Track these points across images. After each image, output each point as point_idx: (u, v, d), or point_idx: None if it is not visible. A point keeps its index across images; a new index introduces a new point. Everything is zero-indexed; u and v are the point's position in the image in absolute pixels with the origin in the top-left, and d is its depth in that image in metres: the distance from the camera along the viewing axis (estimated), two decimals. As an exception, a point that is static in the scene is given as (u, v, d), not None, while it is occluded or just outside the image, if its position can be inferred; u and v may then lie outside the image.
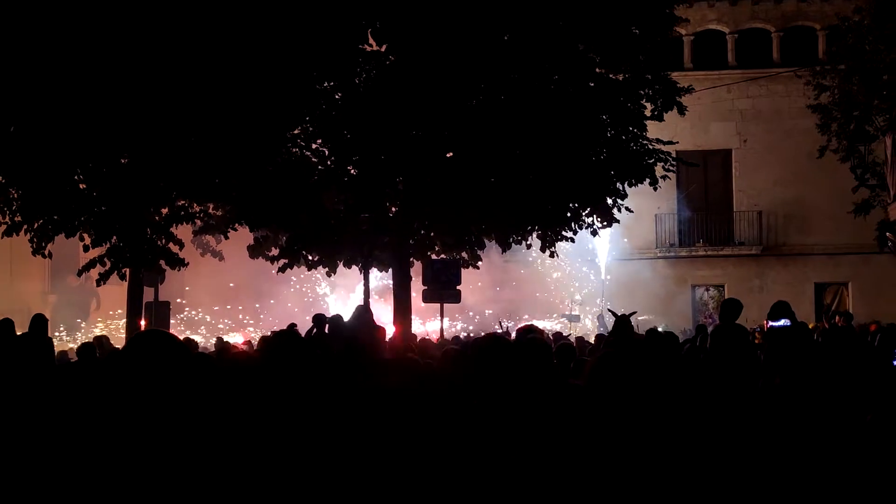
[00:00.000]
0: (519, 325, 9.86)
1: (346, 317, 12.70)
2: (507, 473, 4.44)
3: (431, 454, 4.99)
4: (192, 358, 3.23)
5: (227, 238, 17.32)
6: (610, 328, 11.65)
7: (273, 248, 16.73)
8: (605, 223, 16.42)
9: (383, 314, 18.91)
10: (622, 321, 9.51)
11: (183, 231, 16.65)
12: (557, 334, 18.13)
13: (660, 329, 15.02)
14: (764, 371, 8.29)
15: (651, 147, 15.61)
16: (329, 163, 15.60)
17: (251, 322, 29.38)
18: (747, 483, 4.15)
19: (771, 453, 4.28)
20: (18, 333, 12.06)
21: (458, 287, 16.54)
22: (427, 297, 16.59)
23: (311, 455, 4.81)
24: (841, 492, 3.72)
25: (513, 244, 16.63)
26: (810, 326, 17.80)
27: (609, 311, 10.28)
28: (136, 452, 2.88)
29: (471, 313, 28.56)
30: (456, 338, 17.70)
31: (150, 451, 2.90)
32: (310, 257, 16.37)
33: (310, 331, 13.74)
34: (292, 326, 11.98)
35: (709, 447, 4.79)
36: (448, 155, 15.28)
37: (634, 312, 9.77)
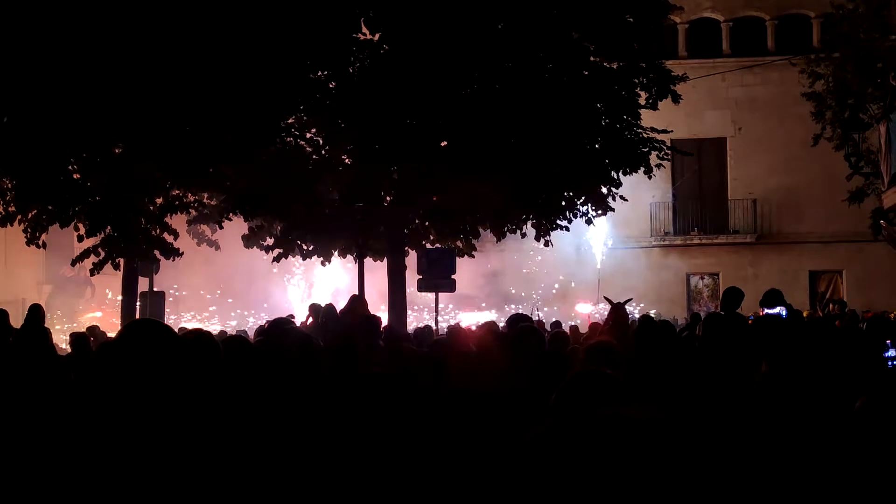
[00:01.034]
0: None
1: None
2: (502, 463, 4.46)
3: (426, 445, 5.01)
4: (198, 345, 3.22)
5: (221, 228, 17.33)
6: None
7: (268, 238, 16.72)
8: (599, 212, 16.44)
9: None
10: (617, 309, 9.50)
11: (178, 221, 16.65)
12: (555, 323, 18.17)
13: (652, 314, 15.04)
14: (754, 359, 8.31)
15: (645, 136, 15.62)
16: (323, 152, 15.59)
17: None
18: (735, 473, 4.16)
19: (757, 441, 4.30)
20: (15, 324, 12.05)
21: (453, 276, 16.55)
22: (422, 287, 16.60)
23: (308, 445, 4.83)
24: (828, 482, 3.73)
25: (507, 233, 16.64)
26: (804, 314, 17.83)
27: (605, 298, 10.29)
28: (134, 443, 2.88)
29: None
30: (452, 327, 17.69)
31: (148, 441, 2.91)
32: (304, 247, 16.37)
33: (304, 321, 13.76)
34: (290, 317, 11.98)
35: (700, 436, 4.81)
36: (442, 144, 15.28)
37: (630, 299, 9.77)
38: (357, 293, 14.49)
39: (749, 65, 30.18)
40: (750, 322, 13.88)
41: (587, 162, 15.27)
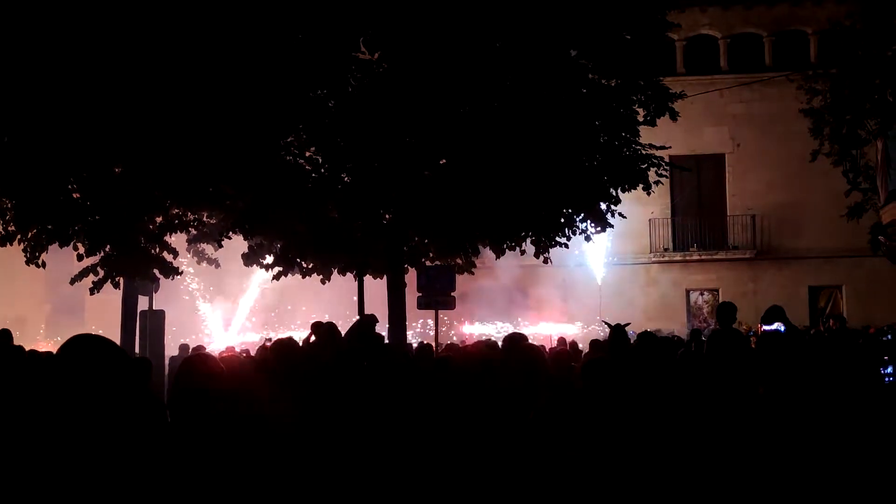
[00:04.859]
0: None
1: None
2: (499, 476, 4.47)
3: (427, 456, 5.02)
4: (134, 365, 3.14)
5: (220, 247, 17.35)
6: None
7: (267, 256, 16.72)
8: (598, 228, 16.44)
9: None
10: (618, 330, 9.50)
11: (177, 240, 16.67)
12: (560, 339, 18.16)
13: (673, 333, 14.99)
14: (755, 377, 8.33)
15: (644, 152, 15.64)
16: (322, 170, 15.60)
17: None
18: (736, 484, 4.17)
19: (758, 458, 4.31)
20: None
21: (452, 293, 16.56)
22: (421, 304, 16.61)
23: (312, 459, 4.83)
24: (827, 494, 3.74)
25: (506, 250, 16.63)
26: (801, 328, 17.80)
27: (603, 321, 10.28)
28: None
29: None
30: (450, 345, 17.70)
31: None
32: (304, 265, 16.38)
33: (307, 338, 13.74)
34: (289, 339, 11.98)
35: (703, 449, 4.81)
36: (441, 162, 15.30)
37: (628, 324, 9.77)
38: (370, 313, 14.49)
39: (747, 81, 30.25)
40: (752, 338, 13.92)
41: (586, 179, 15.28)
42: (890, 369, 9.73)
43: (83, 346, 2.99)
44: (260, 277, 30.83)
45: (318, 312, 25.79)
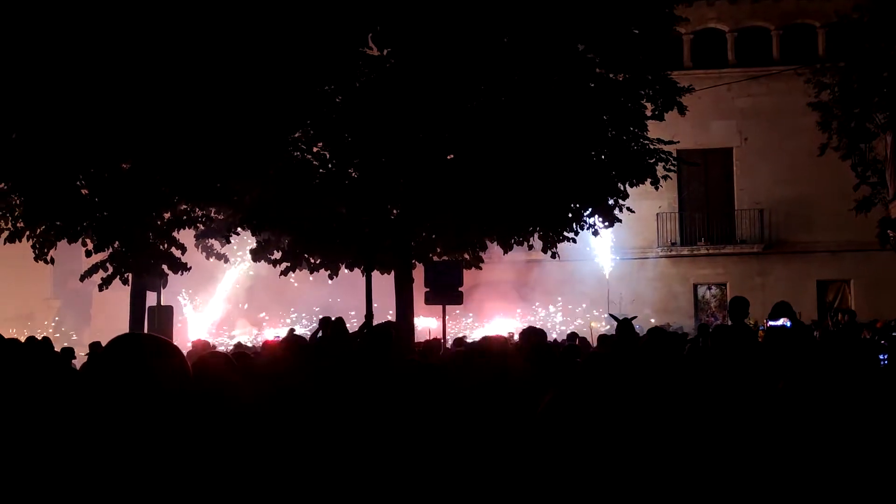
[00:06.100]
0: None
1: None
2: (504, 471, 4.47)
3: (432, 454, 5.03)
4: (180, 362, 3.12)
5: (228, 242, 17.37)
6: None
7: (275, 252, 16.75)
8: (606, 223, 16.42)
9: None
10: (625, 324, 9.52)
11: (185, 235, 16.70)
12: (570, 335, 18.17)
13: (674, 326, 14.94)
14: (764, 372, 8.31)
15: (652, 147, 15.62)
16: (330, 166, 15.62)
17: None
18: (749, 484, 4.17)
19: (776, 455, 4.30)
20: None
21: (459, 289, 16.57)
22: (429, 299, 16.61)
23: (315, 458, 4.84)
24: (842, 493, 3.74)
25: (514, 245, 16.64)
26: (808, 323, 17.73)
27: (610, 315, 10.30)
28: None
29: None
30: (458, 339, 17.71)
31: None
32: (312, 260, 16.40)
33: (314, 333, 13.77)
34: (292, 331, 12.01)
35: (710, 446, 4.81)
36: (449, 157, 15.30)
37: (635, 317, 9.79)
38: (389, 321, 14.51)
39: (755, 75, 30.14)
40: (760, 332, 13.90)
41: (594, 173, 15.27)
42: (887, 355, 9.82)
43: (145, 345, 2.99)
44: (236, 274, 30.90)
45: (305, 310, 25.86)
